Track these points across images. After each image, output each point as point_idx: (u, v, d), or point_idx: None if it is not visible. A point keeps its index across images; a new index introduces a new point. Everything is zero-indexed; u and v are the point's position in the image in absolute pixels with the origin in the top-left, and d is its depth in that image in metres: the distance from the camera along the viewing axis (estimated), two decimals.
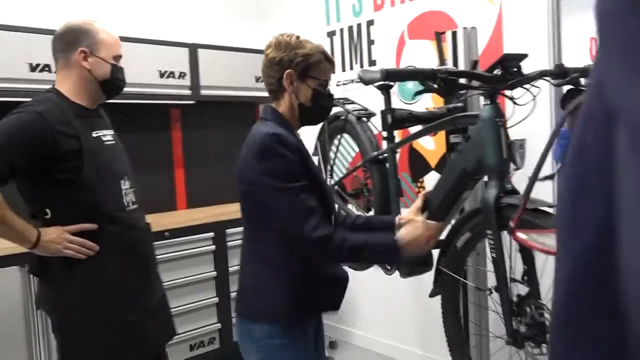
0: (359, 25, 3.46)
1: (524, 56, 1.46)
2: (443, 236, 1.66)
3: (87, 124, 1.79)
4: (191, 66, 3.38)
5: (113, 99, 1.98)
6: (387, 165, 1.90)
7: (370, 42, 3.39)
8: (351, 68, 3.53)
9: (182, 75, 3.34)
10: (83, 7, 3.19)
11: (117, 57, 1.91)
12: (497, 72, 1.42)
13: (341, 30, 3.58)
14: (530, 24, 2.52)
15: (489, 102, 1.44)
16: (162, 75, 3.25)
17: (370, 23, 3.38)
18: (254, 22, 4.04)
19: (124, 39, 3.07)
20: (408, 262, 1.75)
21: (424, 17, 3.05)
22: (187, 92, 3.38)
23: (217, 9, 3.84)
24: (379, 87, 1.82)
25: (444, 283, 1.70)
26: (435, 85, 1.37)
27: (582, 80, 1.47)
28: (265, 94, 3.71)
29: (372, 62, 3.39)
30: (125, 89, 3.03)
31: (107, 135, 1.89)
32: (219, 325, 3.32)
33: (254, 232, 1.59)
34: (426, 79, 1.41)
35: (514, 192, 1.44)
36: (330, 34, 3.65)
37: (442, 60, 2.12)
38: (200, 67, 3.43)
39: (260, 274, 1.56)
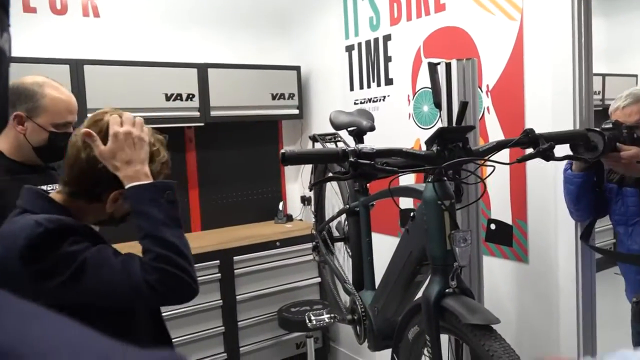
0: (376, 40, 3.22)
1: (467, 129, 1.21)
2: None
3: (18, 180, 1.71)
4: (200, 87, 3.27)
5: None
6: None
7: (388, 59, 3.15)
8: (369, 86, 3.30)
9: (190, 97, 3.24)
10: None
11: (62, 125, 1.79)
12: (435, 148, 1.18)
13: (359, 44, 3.35)
14: (555, 41, 2.21)
15: (432, 180, 1.20)
16: (168, 98, 3.16)
17: (387, 38, 3.14)
18: (275, 39, 3.89)
19: (129, 62, 3.08)
20: (373, 336, 1.54)
21: (440, 34, 2.78)
22: (196, 114, 3.28)
23: (234, 26, 3.71)
24: (350, 133, 1.62)
25: None
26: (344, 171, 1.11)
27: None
28: (284, 111, 3.65)
29: (389, 81, 3.15)
30: (132, 114, 3.05)
31: (48, 190, 1.80)
32: (225, 355, 3.22)
33: None
34: (334, 162, 1.18)
35: (464, 291, 1.19)
36: (349, 49, 3.43)
37: (436, 96, 1.88)
38: (211, 88, 3.32)
39: None
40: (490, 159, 1.25)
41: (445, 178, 1.20)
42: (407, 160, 1.19)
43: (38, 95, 1.73)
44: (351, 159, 1.08)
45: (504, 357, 1.04)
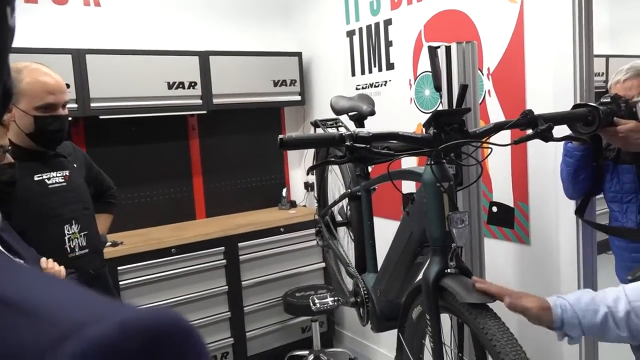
0: (377, 25, 3.22)
1: (463, 111, 1.22)
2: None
3: (28, 167, 1.73)
4: (202, 75, 3.28)
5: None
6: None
7: (389, 43, 3.15)
8: (370, 71, 3.30)
9: (192, 85, 3.25)
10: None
11: (44, 107, 1.78)
12: (431, 130, 1.19)
13: (360, 29, 3.35)
14: (555, 23, 2.20)
15: (431, 162, 1.22)
16: (170, 86, 3.17)
17: (388, 22, 3.14)
18: (276, 25, 3.88)
19: (130, 51, 3.09)
20: (376, 318, 1.57)
21: (441, 17, 2.77)
22: (198, 102, 3.29)
23: (235, 13, 3.71)
24: (351, 118, 1.63)
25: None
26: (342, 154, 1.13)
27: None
28: (286, 98, 3.65)
29: (390, 65, 3.15)
30: (133, 103, 3.07)
31: (55, 177, 1.82)
32: (232, 340, 3.26)
33: None
34: (331, 146, 1.19)
35: (463, 271, 1.21)
36: (350, 34, 3.43)
37: (436, 79, 1.89)
38: (212, 75, 3.32)
39: None
40: (490, 140, 1.26)
41: (444, 160, 1.21)
42: (405, 143, 1.20)
43: (16, 81, 1.72)
44: (348, 143, 1.09)
45: (498, 334, 1.06)
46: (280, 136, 1.14)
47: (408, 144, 1.20)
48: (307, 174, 1.35)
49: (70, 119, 1.95)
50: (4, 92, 0.45)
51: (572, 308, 1.10)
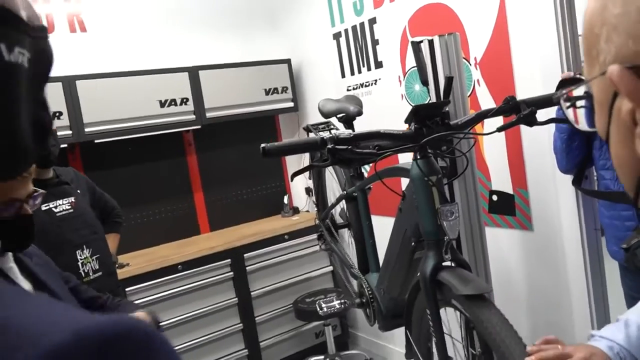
0: (362, 25, 3.22)
1: (442, 104, 1.22)
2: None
3: None
4: (193, 90, 3.29)
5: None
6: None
7: (375, 42, 3.15)
8: (359, 71, 3.31)
9: (184, 101, 3.26)
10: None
11: None
12: (412, 126, 1.19)
13: (345, 31, 3.36)
14: (537, 5, 2.20)
15: (416, 157, 1.22)
16: (163, 104, 3.18)
17: (372, 21, 3.14)
18: (263, 34, 3.89)
19: (120, 73, 3.10)
20: (382, 317, 1.56)
21: (424, 12, 2.78)
22: (192, 117, 3.30)
23: (221, 26, 3.72)
24: (340, 120, 1.64)
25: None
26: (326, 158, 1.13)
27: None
28: (279, 105, 3.64)
29: (378, 64, 3.15)
30: (127, 124, 3.08)
31: (62, 204, 1.85)
32: (246, 352, 3.26)
33: None
34: (313, 150, 1.20)
35: (459, 263, 1.21)
36: (336, 36, 3.44)
37: (422, 73, 1.89)
38: (204, 90, 3.33)
39: None
40: (478, 130, 1.26)
41: (430, 154, 1.21)
42: (389, 141, 1.20)
43: None
44: (329, 146, 1.10)
45: (497, 325, 1.05)
46: (262, 145, 1.15)
47: (391, 141, 1.20)
48: (291, 180, 1.35)
49: (62, 146, 1.97)
50: (38, 126, 0.46)
51: (629, 352, 1.02)
